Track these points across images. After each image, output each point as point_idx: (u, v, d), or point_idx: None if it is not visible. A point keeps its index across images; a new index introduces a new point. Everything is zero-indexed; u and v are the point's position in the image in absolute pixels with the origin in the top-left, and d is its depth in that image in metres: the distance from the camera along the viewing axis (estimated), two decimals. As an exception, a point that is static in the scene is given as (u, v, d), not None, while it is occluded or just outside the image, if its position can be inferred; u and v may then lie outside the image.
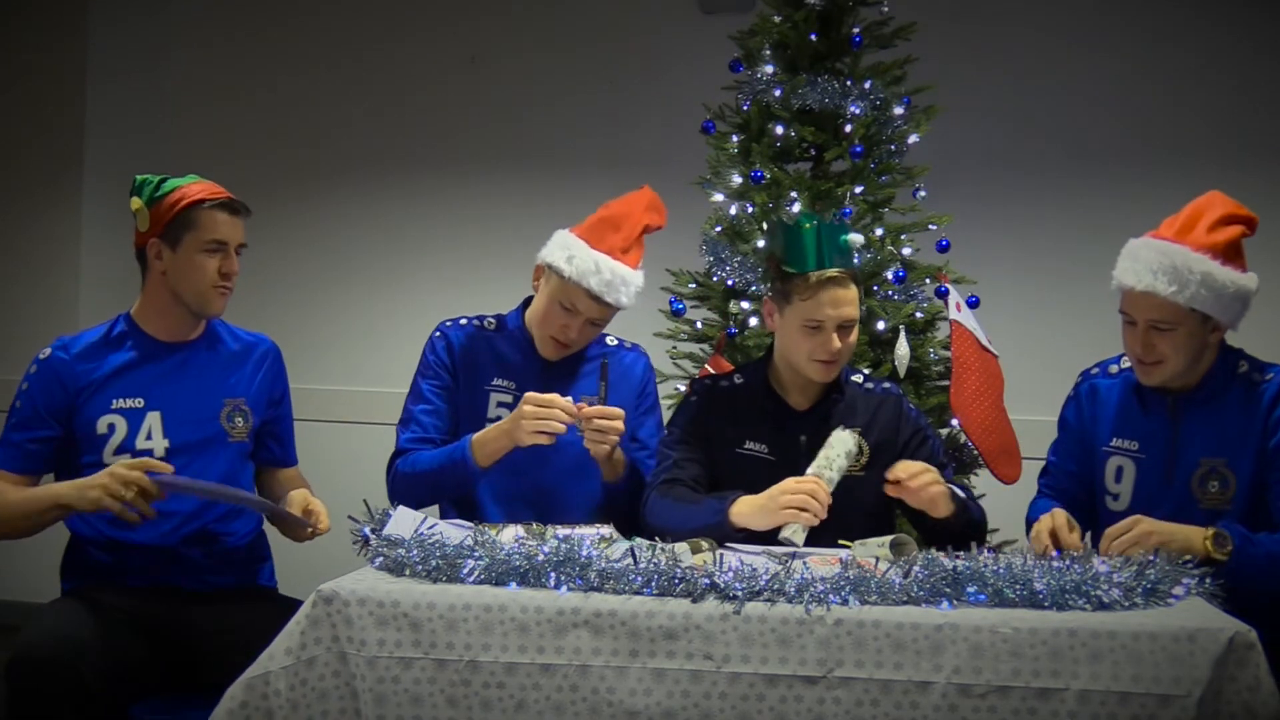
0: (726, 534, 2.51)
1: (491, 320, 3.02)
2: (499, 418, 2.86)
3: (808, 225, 2.71)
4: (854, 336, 2.74)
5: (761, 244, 3.56)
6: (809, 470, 2.55)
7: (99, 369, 2.72)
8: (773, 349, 2.83)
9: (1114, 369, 2.79)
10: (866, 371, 2.97)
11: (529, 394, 2.73)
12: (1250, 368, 2.65)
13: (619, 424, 2.70)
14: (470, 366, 2.96)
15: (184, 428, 2.74)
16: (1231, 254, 2.60)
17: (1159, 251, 2.58)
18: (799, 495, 2.48)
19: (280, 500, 2.81)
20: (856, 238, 2.75)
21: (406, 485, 2.83)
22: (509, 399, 2.91)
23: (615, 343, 3.06)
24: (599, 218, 2.93)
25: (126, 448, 2.69)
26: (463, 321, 3.02)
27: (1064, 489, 2.80)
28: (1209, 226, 2.60)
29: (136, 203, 2.74)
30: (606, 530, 2.31)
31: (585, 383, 2.95)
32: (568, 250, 2.86)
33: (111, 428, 2.68)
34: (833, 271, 2.68)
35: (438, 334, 3.01)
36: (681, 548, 2.21)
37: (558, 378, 2.94)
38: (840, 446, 2.59)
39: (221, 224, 2.73)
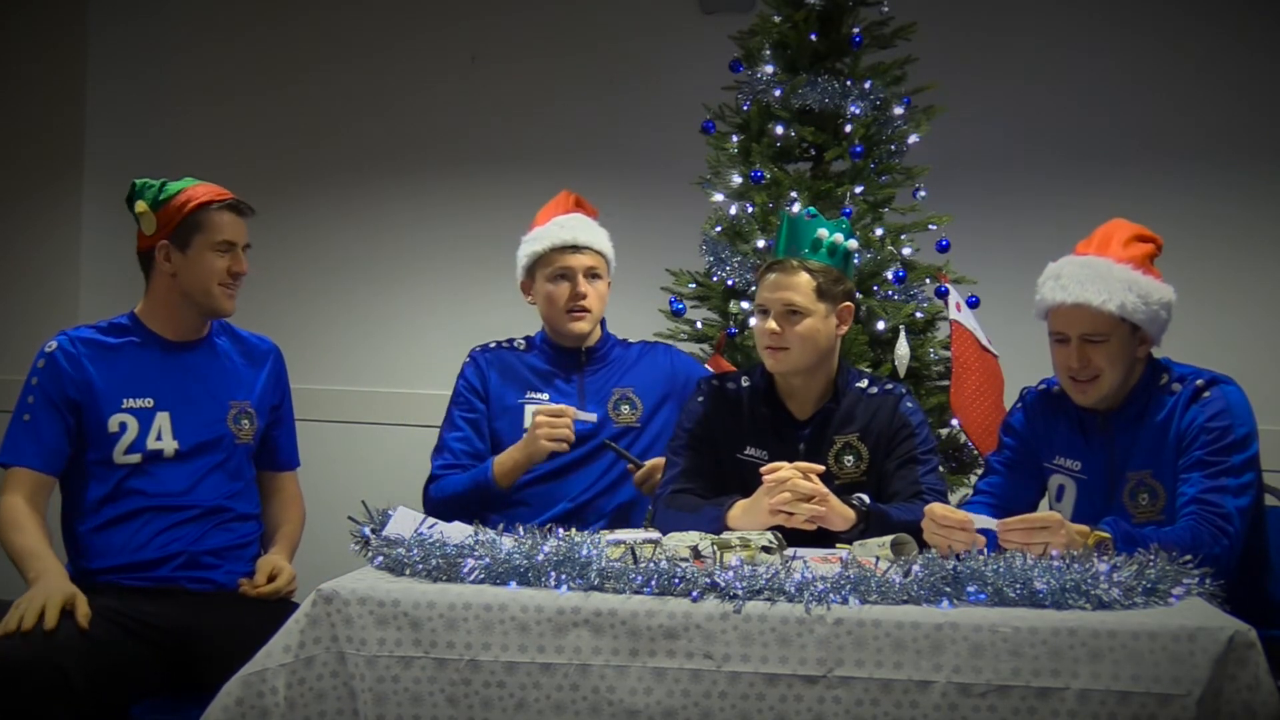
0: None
1: (521, 341, 3.19)
2: None
3: (785, 219, 2.78)
4: (804, 327, 2.71)
5: (761, 244, 3.57)
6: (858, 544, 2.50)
7: (108, 365, 2.74)
8: None
9: (1056, 389, 2.80)
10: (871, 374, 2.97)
11: (539, 406, 2.94)
12: (1170, 378, 2.67)
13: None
14: (503, 384, 3.11)
15: (193, 429, 2.77)
16: (1150, 266, 2.67)
17: (1083, 265, 2.64)
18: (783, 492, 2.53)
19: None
20: (824, 232, 2.75)
21: (438, 511, 2.90)
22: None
23: (636, 340, 3.24)
24: (537, 217, 3.21)
25: (138, 448, 2.71)
26: (491, 345, 3.18)
27: (1007, 496, 2.79)
28: (1123, 243, 2.68)
29: (141, 206, 2.77)
30: (654, 534, 2.33)
31: (613, 370, 3.15)
32: (528, 241, 3.14)
33: (123, 426, 2.71)
34: (783, 259, 2.73)
35: (468, 360, 3.16)
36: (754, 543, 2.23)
37: (590, 374, 3.11)
38: (880, 551, 2.44)
39: (229, 225, 2.80)
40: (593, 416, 2.97)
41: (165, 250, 2.77)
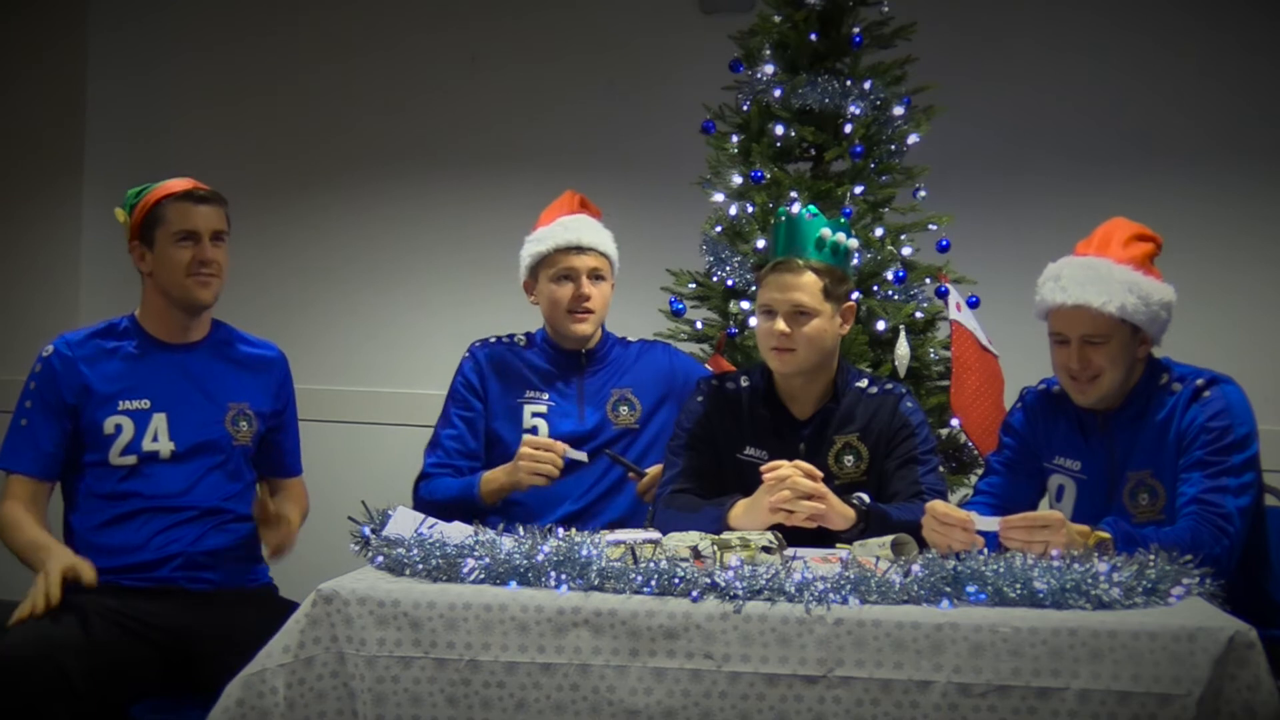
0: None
1: (522, 337, 3.18)
2: (534, 429, 3.02)
3: (784, 218, 2.78)
4: (812, 328, 2.71)
5: (761, 244, 3.56)
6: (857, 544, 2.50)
7: (105, 368, 2.74)
8: None
9: (1056, 389, 2.79)
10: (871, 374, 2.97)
11: (526, 438, 2.91)
12: (1170, 378, 2.67)
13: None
14: (502, 382, 3.09)
15: (189, 430, 2.77)
16: (1150, 266, 2.66)
17: (1084, 266, 2.64)
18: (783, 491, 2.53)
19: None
20: (828, 232, 2.75)
21: (425, 510, 2.89)
22: (543, 409, 3.07)
23: (636, 340, 3.24)
24: (541, 217, 3.20)
25: (134, 449, 2.72)
26: (492, 340, 3.17)
27: (1007, 496, 2.78)
28: (1124, 243, 2.67)
29: (120, 214, 2.81)
30: (655, 535, 2.33)
31: (612, 370, 3.14)
32: (532, 241, 3.12)
33: (119, 428, 2.71)
34: (787, 259, 2.72)
35: (467, 355, 3.14)
36: (752, 545, 2.22)
37: (590, 375, 3.10)
38: (880, 551, 2.41)
39: (191, 214, 2.76)
40: (583, 456, 2.92)
41: (139, 251, 2.79)
